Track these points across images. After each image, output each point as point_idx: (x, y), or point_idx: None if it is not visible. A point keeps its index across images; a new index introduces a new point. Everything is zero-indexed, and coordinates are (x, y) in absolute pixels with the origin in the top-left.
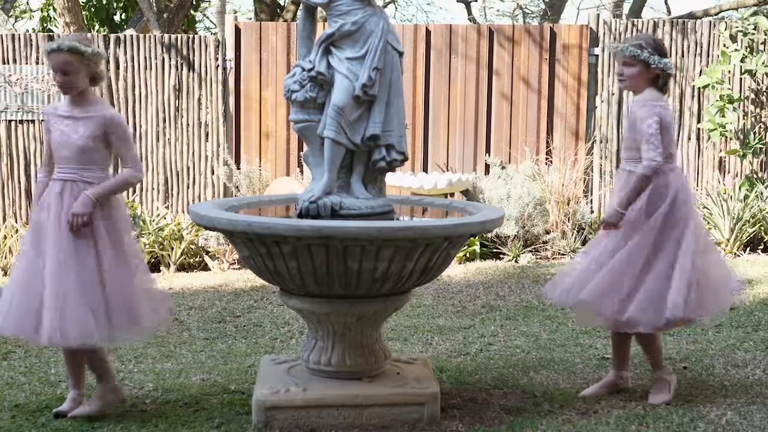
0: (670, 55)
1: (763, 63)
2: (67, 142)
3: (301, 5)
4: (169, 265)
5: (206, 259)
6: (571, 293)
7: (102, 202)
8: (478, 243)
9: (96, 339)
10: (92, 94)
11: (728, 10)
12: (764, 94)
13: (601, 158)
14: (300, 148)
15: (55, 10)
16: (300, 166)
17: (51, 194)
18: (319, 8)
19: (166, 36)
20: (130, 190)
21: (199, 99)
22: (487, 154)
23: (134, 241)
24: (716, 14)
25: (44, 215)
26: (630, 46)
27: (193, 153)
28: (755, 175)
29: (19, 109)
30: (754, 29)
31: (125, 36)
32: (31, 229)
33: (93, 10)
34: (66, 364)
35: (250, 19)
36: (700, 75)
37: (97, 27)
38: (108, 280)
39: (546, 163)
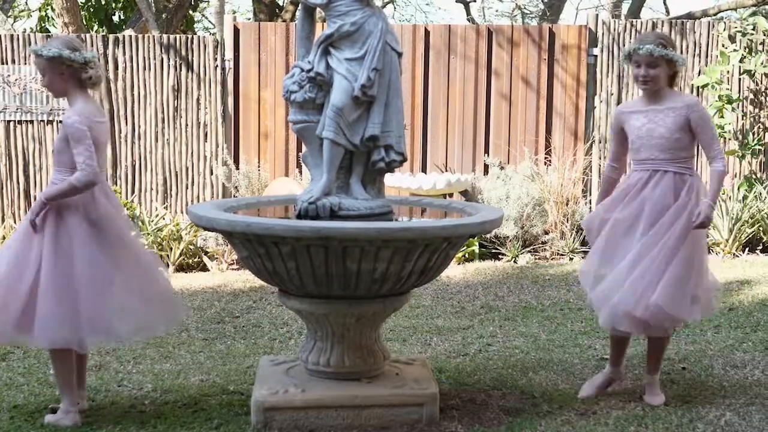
0: None
1: (762, 63)
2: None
3: (299, 6)
4: (168, 265)
5: (205, 259)
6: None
7: (54, 203)
8: (477, 243)
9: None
10: (78, 97)
11: (727, 10)
12: (763, 94)
13: (600, 158)
14: (299, 149)
15: (53, 10)
16: (299, 166)
17: None
18: (318, 9)
19: (165, 36)
20: (129, 189)
21: (198, 99)
22: (486, 155)
23: (130, 243)
24: (715, 14)
25: None
26: (654, 45)
27: (192, 153)
28: (754, 176)
29: (17, 109)
30: (753, 29)
31: (124, 36)
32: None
33: (92, 10)
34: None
35: (249, 19)
36: (698, 75)
37: (95, 27)
38: (83, 282)
39: (545, 164)
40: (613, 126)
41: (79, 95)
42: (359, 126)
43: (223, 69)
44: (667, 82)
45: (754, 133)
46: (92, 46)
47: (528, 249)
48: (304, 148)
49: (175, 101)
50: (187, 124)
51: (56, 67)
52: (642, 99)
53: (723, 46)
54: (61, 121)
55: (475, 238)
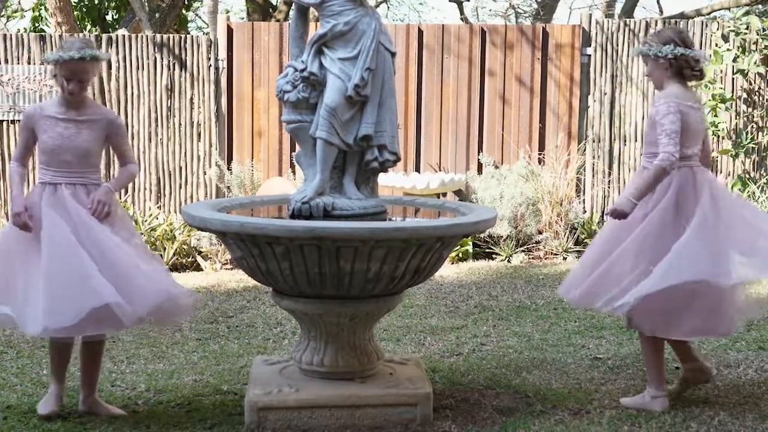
0: None
1: (755, 63)
2: (70, 146)
3: (293, 5)
4: None
5: (199, 259)
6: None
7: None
8: (470, 243)
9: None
10: (87, 97)
11: (720, 9)
12: (756, 93)
13: (594, 158)
14: (292, 149)
15: (46, 9)
16: (292, 166)
17: (56, 197)
18: (312, 9)
19: (159, 36)
20: (122, 189)
21: (192, 99)
22: (479, 154)
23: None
24: (708, 14)
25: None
26: (641, 46)
27: (186, 153)
28: (747, 175)
29: (10, 109)
30: (746, 29)
31: (117, 36)
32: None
33: (85, 9)
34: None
35: (243, 19)
36: None
37: (88, 27)
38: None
39: (539, 163)
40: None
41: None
42: (353, 126)
43: (217, 68)
44: (669, 77)
45: (747, 133)
46: None
47: (522, 248)
48: (297, 147)
49: (169, 101)
50: (180, 124)
51: (97, 69)
52: None
53: (716, 45)
54: (79, 121)
55: (469, 238)
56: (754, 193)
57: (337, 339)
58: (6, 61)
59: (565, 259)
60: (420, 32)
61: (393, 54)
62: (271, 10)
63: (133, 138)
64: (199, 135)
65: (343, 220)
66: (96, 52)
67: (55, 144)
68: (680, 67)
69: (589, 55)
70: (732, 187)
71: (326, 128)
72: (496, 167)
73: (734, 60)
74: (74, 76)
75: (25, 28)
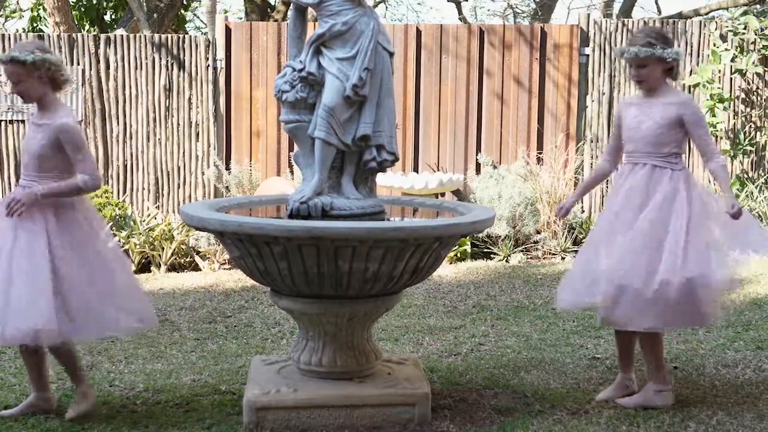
0: None
1: (753, 63)
2: (28, 149)
3: (291, 5)
4: (160, 265)
5: (197, 259)
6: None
7: (48, 201)
8: (468, 243)
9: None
10: (53, 100)
11: (717, 9)
12: (754, 93)
13: (592, 158)
14: (290, 148)
15: (45, 9)
16: (290, 166)
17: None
18: (310, 8)
19: (157, 36)
20: (120, 189)
21: (190, 99)
22: (478, 154)
23: (108, 243)
24: (706, 14)
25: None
26: (640, 47)
27: (184, 153)
28: (746, 175)
29: (8, 109)
30: (745, 29)
31: (116, 36)
32: None
33: (83, 9)
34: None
35: (241, 19)
36: (690, 75)
37: (86, 27)
38: (65, 281)
39: (537, 163)
40: (615, 118)
41: (55, 98)
42: (351, 126)
43: (215, 68)
44: (663, 77)
45: (745, 133)
46: (84, 45)
47: (520, 248)
48: (295, 147)
49: (167, 101)
50: (178, 124)
51: (34, 72)
52: (641, 93)
53: (714, 45)
54: (38, 125)
55: (467, 238)
56: (752, 192)
57: (336, 339)
58: None
59: (563, 259)
60: (418, 32)
61: (391, 54)
62: (269, 10)
63: (131, 138)
64: (197, 135)
65: (341, 220)
66: (16, 54)
67: (23, 146)
68: (673, 67)
69: (588, 55)
70: (730, 187)
71: (324, 128)
72: (494, 167)
73: (732, 60)
74: (8, 78)
75: (23, 28)
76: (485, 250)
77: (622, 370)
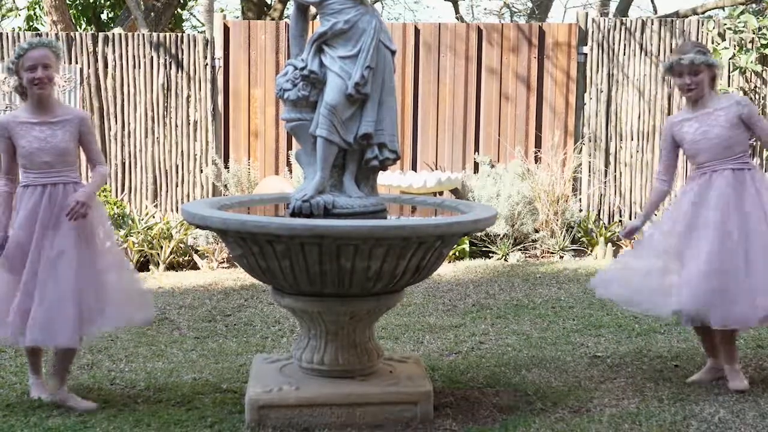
0: (659, 54)
1: (752, 61)
2: (51, 148)
3: (293, 4)
4: (158, 264)
5: (195, 258)
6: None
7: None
8: (467, 242)
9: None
10: (55, 99)
11: (714, 8)
12: (753, 92)
13: (591, 156)
14: (289, 147)
15: (41, 8)
16: (289, 164)
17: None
18: (312, 7)
19: (155, 35)
20: (119, 188)
21: (188, 98)
22: (476, 153)
23: (111, 239)
24: (703, 13)
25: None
26: (694, 54)
27: (182, 152)
28: None
29: (7, 107)
30: (744, 27)
31: (114, 34)
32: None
33: (80, 8)
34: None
35: (238, 17)
36: None
37: (83, 25)
38: (81, 278)
39: (536, 162)
40: (664, 138)
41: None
42: (353, 124)
43: (213, 67)
44: (710, 84)
45: None
46: (82, 44)
47: (518, 247)
48: (294, 146)
49: (165, 99)
50: (177, 123)
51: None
52: (688, 107)
53: (714, 43)
54: (52, 123)
55: (466, 236)
56: None
57: (337, 337)
58: (1, 59)
59: (561, 257)
60: (417, 31)
61: (393, 52)
62: (266, 9)
63: (129, 136)
64: (195, 134)
65: (343, 219)
66: (54, 42)
67: (32, 147)
68: (716, 75)
69: (586, 54)
70: None
71: (326, 126)
72: (493, 166)
73: (731, 58)
74: (42, 61)
75: (20, 27)
76: (484, 248)
77: (712, 356)
